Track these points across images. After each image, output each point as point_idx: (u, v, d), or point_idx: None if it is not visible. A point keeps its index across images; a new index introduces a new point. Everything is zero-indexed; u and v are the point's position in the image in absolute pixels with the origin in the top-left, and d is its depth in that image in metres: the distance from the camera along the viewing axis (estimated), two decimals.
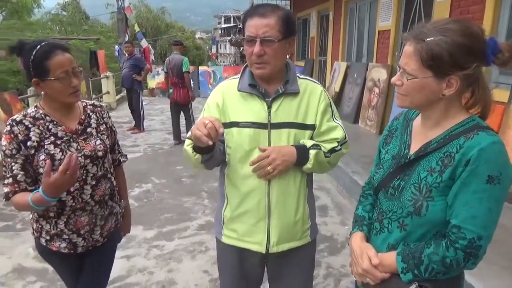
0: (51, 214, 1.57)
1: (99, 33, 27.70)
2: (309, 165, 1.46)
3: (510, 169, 1.02)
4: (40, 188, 1.37)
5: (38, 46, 1.46)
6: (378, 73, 6.55)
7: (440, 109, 1.10)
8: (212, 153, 1.42)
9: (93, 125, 1.65)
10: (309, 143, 1.48)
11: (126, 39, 12.67)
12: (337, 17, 8.91)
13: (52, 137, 1.52)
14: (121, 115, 9.76)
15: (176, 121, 6.72)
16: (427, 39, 1.03)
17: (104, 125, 1.70)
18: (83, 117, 1.63)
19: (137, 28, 14.69)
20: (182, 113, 6.65)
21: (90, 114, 1.67)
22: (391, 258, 1.14)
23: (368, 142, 5.86)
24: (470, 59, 1.02)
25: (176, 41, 6.89)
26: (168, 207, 4.11)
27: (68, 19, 33.09)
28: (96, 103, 1.75)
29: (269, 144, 1.46)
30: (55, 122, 1.55)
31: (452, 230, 1.04)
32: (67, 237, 1.60)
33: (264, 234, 1.52)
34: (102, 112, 1.72)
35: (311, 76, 10.32)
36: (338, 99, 7.98)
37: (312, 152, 1.45)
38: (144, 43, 14.04)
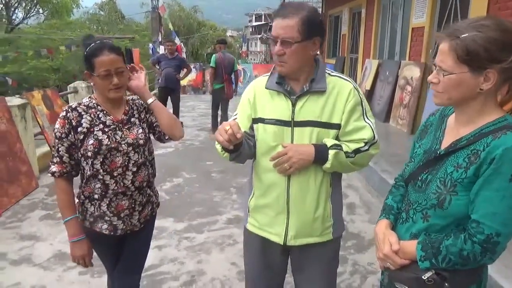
0: (96, 196, 1.72)
1: (134, 31, 28.49)
2: (327, 165, 1.47)
3: None
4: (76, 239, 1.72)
5: (93, 44, 1.64)
6: (411, 71, 6.42)
7: (477, 105, 1.12)
8: (239, 151, 1.47)
9: (136, 115, 1.79)
10: (330, 142, 1.47)
11: (160, 38, 12.98)
12: (369, 14, 8.78)
13: (101, 124, 1.68)
14: None
15: (216, 114, 7.33)
16: (462, 36, 1.05)
17: (144, 111, 1.83)
18: (127, 108, 1.78)
19: (171, 27, 15.01)
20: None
21: (132, 106, 1.82)
22: (411, 246, 1.18)
23: (398, 141, 5.78)
24: (506, 53, 1.03)
25: (223, 40, 7.51)
26: (198, 201, 4.23)
27: (105, 19, 34.23)
28: (134, 97, 1.90)
29: (292, 141, 1.50)
30: (105, 112, 1.71)
31: (471, 225, 1.07)
32: (108, 219, 1.74)
33: (282, 227, 1.56)
34: (138, 102, 1.86)
35: (342, 74, 10.22)
36: (368, 97, 7.88)
37: (331, 152, 1.45)
38: (177, 41, 14.34)
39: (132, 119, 1.77)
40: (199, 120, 9.04)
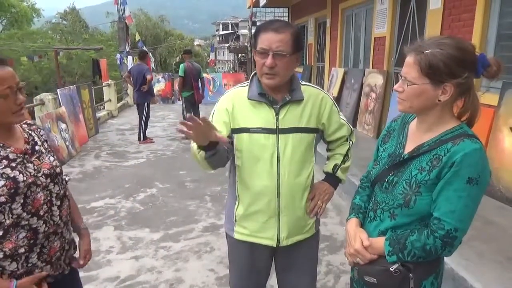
0: (21, 250, 1.34)
1: (99, 41, 27.98)
2: (343, 182, 1.81)
3: (487, 173, 1.18)
4: None
5: None
6: (375, 79, 6.73)
7: (435, 114, 1.25)
8: (214, 150, 1.45)
9: (39, 143, 1.50)
10: (329, 167, 1.78)
11: (127, 48, 12.86)
12: (334, 24, 9.10)
13: (4, 160, 1.33)
14: (124, 122, 9.94)
15: None
16: (426, 51, 1.19)
17: (45, 142, 1.55)
18: (26, 136, 1.47)
19: (138, 37, 14.90)
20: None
21: (30, 132, 1.51)
22: (380, 242, 1.29)
23: (365, 146, 6.00)
24: (462, 69, 1.17)
25: (189, 50, 8.10)
26: (173, 210, 4.25)
27: (68, 28, 33.42)
28: (29, 121, 1.59)
29: (277, 148, 1.58)
30: (1, 145, 1.36)
31: (433, 222, 1.20)
32: (39, 270, 1.40)
33: (274, 230, 1.64)
34: (39, 129, 1.57)
35: (310, 82, 10.51)
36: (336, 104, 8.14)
37: (339, 174, 1.77)
38: None
39: (37, 147, 1.47)
40: (170, 130, 9.02)
